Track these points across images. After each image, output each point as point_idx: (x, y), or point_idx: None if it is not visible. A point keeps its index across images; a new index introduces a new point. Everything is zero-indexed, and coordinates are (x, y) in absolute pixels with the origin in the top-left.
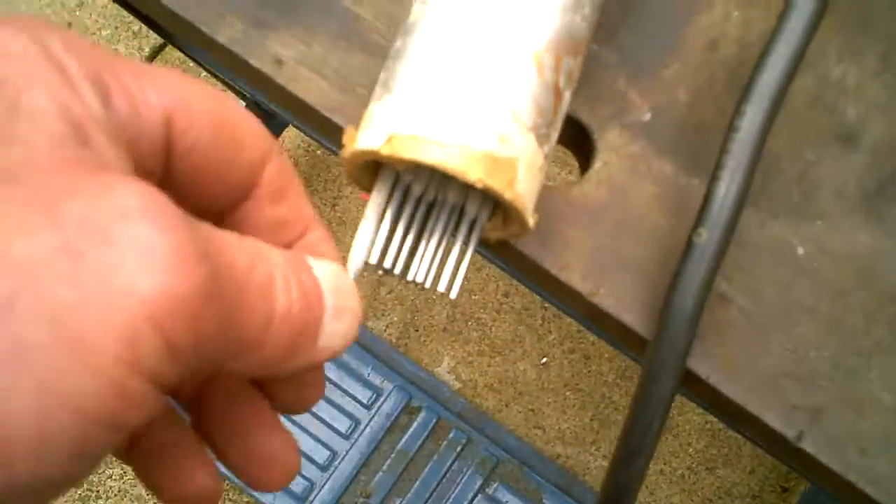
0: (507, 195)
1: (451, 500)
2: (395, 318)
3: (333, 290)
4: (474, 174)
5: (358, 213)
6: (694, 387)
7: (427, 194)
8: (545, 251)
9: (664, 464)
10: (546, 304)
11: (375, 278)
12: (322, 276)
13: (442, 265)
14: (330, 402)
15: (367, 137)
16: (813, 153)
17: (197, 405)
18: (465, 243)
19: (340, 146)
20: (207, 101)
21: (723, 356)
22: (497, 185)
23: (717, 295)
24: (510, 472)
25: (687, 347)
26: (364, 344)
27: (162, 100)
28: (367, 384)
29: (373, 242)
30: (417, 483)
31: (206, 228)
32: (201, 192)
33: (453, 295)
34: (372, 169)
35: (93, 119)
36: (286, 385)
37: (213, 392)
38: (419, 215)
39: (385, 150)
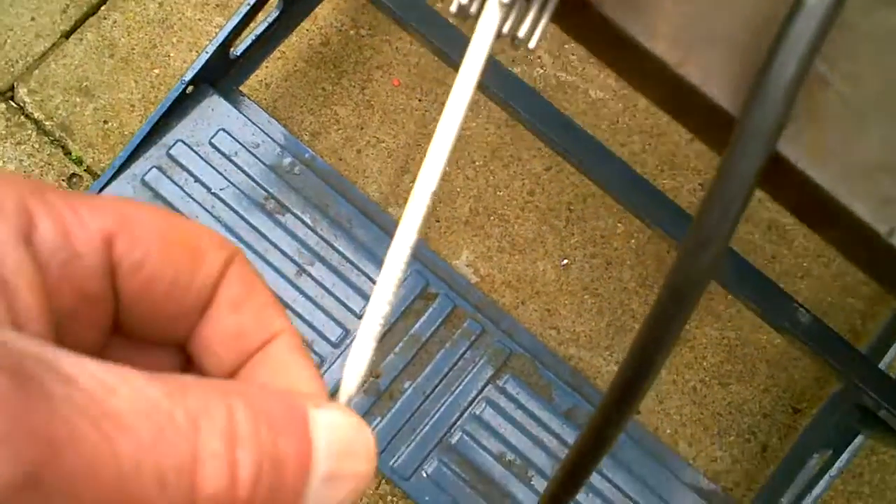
0: None
1: (461, 387)
2: None
3: (335, 452)
4: None
5: (387, 97)
6: (779, 175)
7: None
8: (630, 16)
9: (677, 374)
10: (571, 206)
11: (399, 167)
12: (322, 432)
13: (523, 13)
14: (346, 280)
15: None
16: None
17: None
18: None
19: None
20: (156, 218)
21: (815, 141)
22: None
23: (815, 75)
24: (522, 366)
25: (781, 121)
26: (384, 227)
27: (100, 222)
28: None
29: None
30: (428, 368)
31: (53, 405)
32: (158, 312)
33: (532, 45)
34: None
35: None
36: None
37: None
38: None
39: None
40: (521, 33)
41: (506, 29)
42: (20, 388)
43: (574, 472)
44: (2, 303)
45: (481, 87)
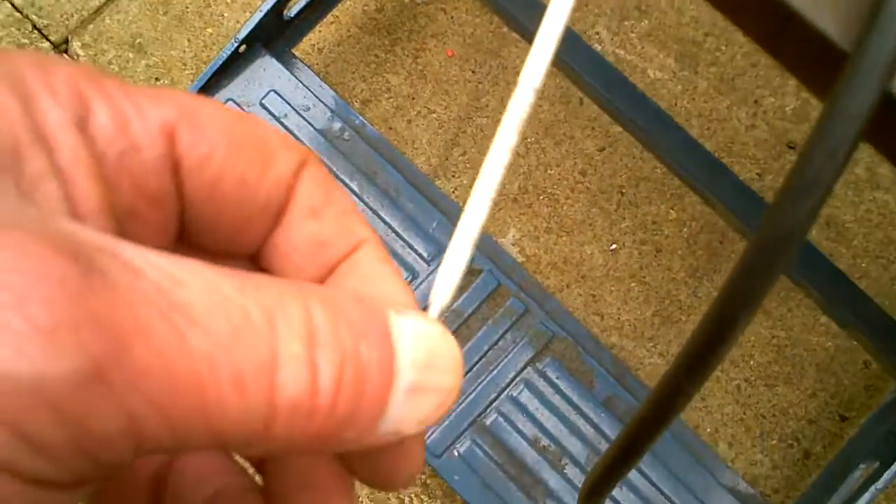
0: None
1: (500, 367)
2: (466, 182)
3: (419, 362)
4: None
5: (440, 67)
6: (890, 119)
7: None
8: None
9: (721, 371)
10: (623, 189)
11: (449, 139)
12: (405, 340)
13: None
14: (390, 250)
15: None
16: None
17: (269, 473)
18: None
19: None
20: (221, 112)
21: None
22: None
23: None
24: (564, 350)
25: None
26: (431, 199)
27: (161, 112)
28: (430, 238)
29: None
30: (468, 345)
31: (118, 294)
32: (225, 216)
33: None
34: None
35: (35, 138)
36: (363, 461)
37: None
38: None
39: None
40: None
41: None
42: (83, 274)
43: (637, 438)
44: (59, 192)
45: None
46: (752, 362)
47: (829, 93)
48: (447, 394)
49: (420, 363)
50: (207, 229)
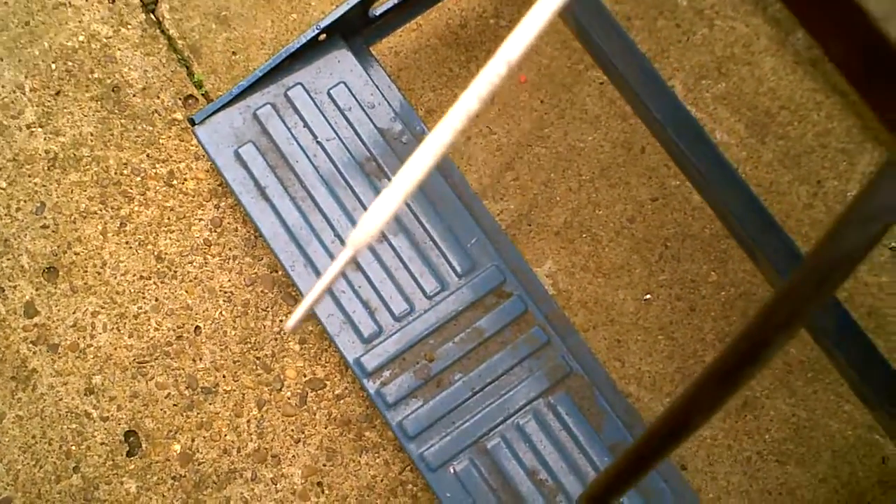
0: None
1: (511, 393)
2: (512, 206)
3: None
4: None
5: (510, 91)
6: None
7: None
8: None
9: (734, 440)
10: (668, 242)
11: (504, 162)
12: None
13: None
14: (424, 258)
15: None
16: None
17: None
18: None
19: None
20: None
21: None
22: None
23: None
24: (579, 388)
25: None
26: (475, 216)
27: None
28: (466, 253)
29: None
30: (483, 365)
31: None
32: None
33: None
34: None
35: None
36: None
37: None
38: None
39: None
40: None
41: None
42: None
43: (651, 448)
44: None
45: (616, 76)
46: (767, 437)
47: None
48: None
49: None
50: None
